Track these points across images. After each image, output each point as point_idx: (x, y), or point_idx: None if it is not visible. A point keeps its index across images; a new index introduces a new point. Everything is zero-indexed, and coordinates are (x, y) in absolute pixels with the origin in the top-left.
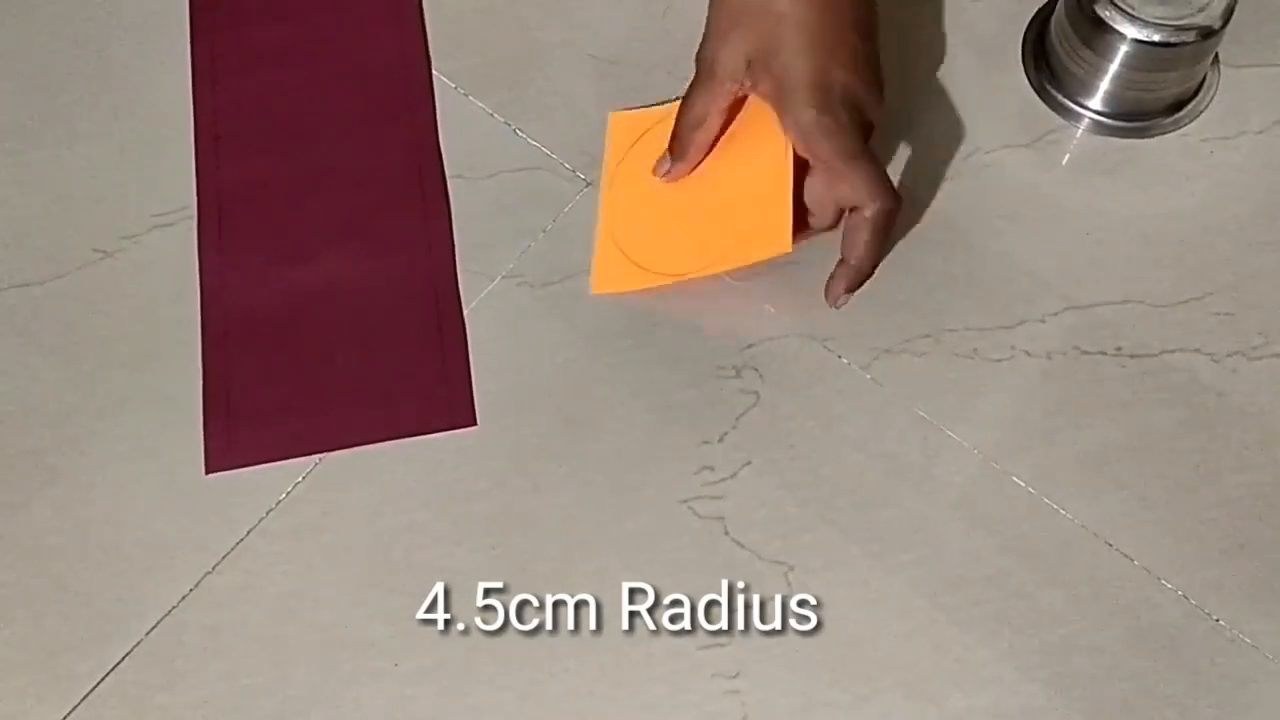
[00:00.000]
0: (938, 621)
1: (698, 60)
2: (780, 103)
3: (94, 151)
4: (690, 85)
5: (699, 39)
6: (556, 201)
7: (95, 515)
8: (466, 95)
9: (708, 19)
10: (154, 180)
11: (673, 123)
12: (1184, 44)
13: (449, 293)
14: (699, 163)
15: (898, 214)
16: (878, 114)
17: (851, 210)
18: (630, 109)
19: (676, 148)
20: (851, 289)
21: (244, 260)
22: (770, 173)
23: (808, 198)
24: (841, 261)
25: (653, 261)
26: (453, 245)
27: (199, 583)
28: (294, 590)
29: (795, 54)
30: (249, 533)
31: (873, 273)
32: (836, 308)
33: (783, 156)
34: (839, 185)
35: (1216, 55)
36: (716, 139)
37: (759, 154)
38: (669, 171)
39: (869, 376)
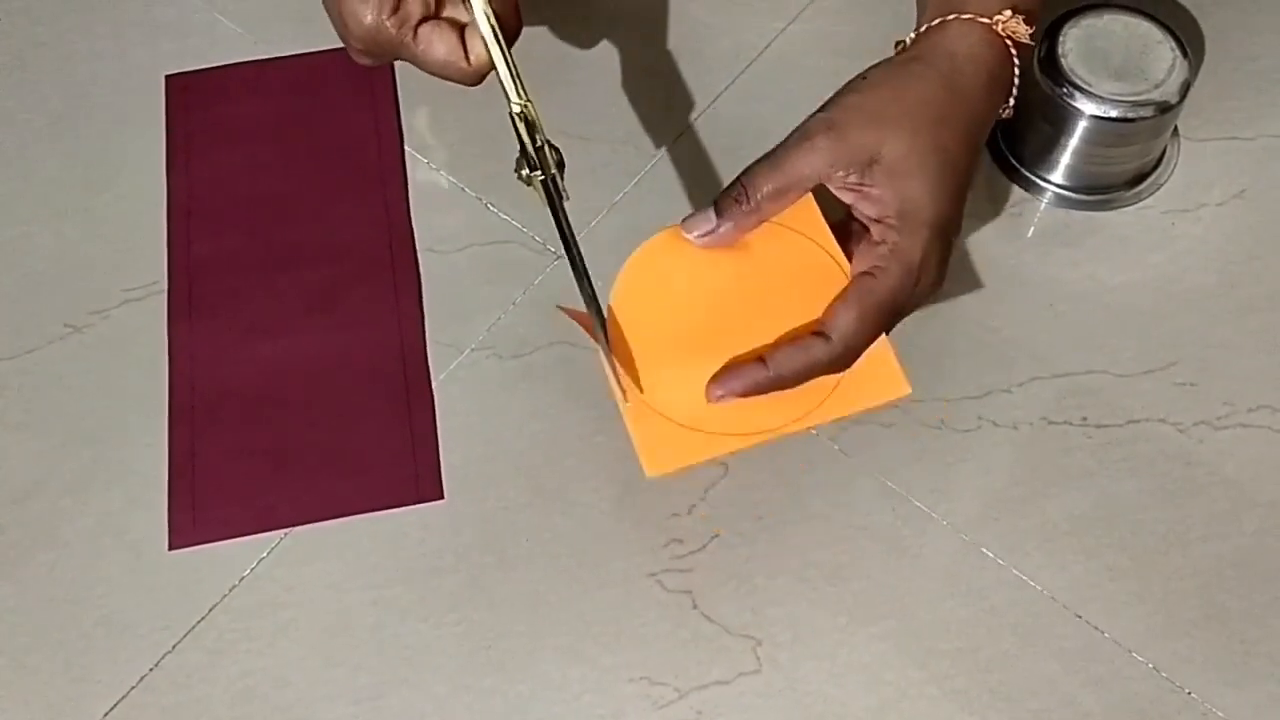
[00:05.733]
0: (908, 695)
1: (819, 121)
2: (897, 224)
3: (66, 227)
4: (793, 142)
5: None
6: (527, 274)
7: (57, 593)
8: (438, 170)
9: (857, 93)
10: (125, 255)
11: (676, 242)
12: (1141, 119)
13: (418, 366)
14: (743, 235)
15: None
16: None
17: (818, 332)
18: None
19: (734, 208)
20: (747, 395)
21: (213, 334)
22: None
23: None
24: (760, 363)
25: (711, 420)
26: (422, 318)
27: (159, 662)
28: (256, 668)
29: (940, 194)
30: (211, 610)
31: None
32: (713, 401)
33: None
34: (837, 303)
35: (1176, 129)
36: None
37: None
38: (711, 232)
39: (837, 448)
